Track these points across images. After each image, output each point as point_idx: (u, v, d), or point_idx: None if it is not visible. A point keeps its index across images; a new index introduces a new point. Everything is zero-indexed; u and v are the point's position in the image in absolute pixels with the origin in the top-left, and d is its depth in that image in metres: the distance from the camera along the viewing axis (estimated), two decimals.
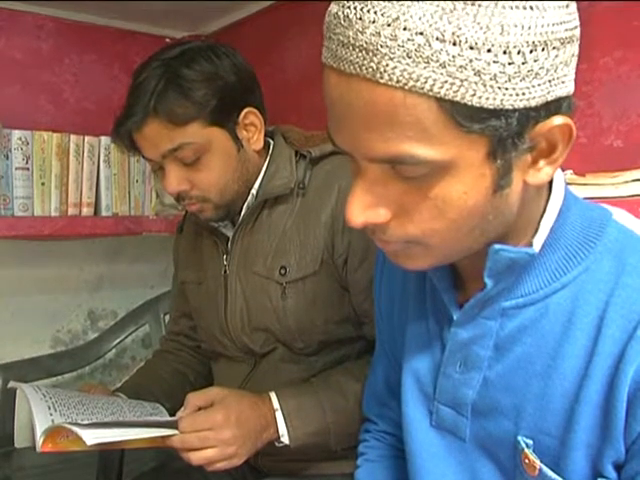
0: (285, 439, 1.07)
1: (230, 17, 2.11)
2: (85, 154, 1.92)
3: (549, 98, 0.55)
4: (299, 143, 1.21)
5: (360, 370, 1.12)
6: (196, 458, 0.99)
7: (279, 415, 1.07)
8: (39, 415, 1.00)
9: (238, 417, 1.01)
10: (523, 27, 0.51)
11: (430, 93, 0.52)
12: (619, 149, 1.20)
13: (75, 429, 0.92)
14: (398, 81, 0.52)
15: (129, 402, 1.15)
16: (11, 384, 1.14)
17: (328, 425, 1.10)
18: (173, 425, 0.99)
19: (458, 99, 0.52)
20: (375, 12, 0.52)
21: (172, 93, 1.07)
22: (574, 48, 0.57)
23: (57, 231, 1.83)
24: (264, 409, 1.07)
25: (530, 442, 0.66)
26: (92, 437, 0.91)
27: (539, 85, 0.54)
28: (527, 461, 0.66)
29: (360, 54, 0.53)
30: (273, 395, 1.09)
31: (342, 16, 0.54)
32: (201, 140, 1.09)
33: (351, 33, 0.53)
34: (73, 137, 1.89)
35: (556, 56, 0.54)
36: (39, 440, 0.97)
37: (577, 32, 0.57)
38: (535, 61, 0.53)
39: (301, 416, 1.08)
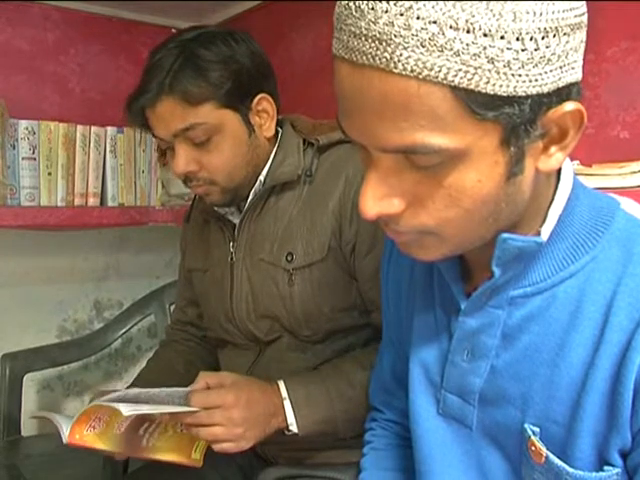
0: (294, 428, 1.07)
1: (237, 8, 2.11)
2: (91, 144, 1.92)
3: (560, 84, 0.56)
4: (307, 131, 1.21)
5: (367, 358, 1.12)
6: (203, 433, 1.00)
7: (287, 404, 1.07)
8: (63, 417, 1.03)
9: (248, 400, 1.02)
10: (535, 13, 0.52)
11: (444, 82, 0.52)
12: (626, 140, 1.20)
13: (111, 404, 0.94)
14: (412, 70, 0.52)
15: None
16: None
17: (336, 413, 1.10)
18: (183, 398, 1.01)
19: (472, 87, 0.52)
20: (387, 1, 0.52)
21: (188, 72, 1.07)
22: (583, 34, 0.58)
23: (63, 221, 1.84)
24: (273, 396, 1.07)
25: (537, 430, 0.67)
26: (127, 410, 0.93)
27: (551, 71, 0.54)
28: (533, 449, 0.67)
29: (373, 44, 0.53)
30: (281, 384, 1.09)
31: (354, 7, 0.54)
32: (213, 121, 1.09)
33: (363, 23, 0.53)
34: (79, 127, 1.90)
35: (567, 42, 0.55)
36: (66, 431, 0.99)
37: (585, 18, 0.58)
38: (547, 47, 0.53)
39: (309, 405, 1.08)
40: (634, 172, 1.00)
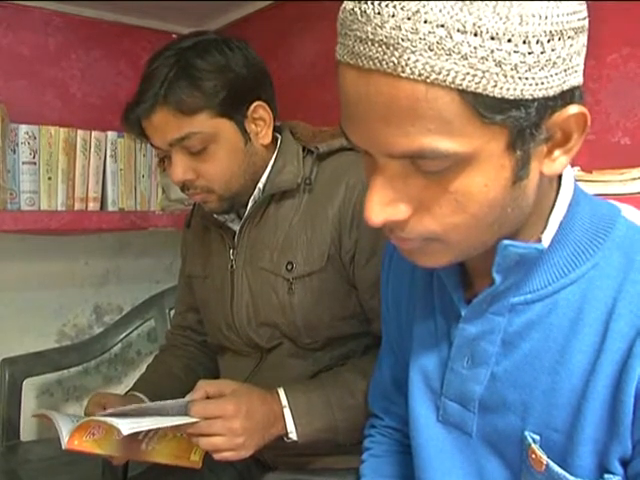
0: (293, 436, 1.07)
1: (237, 13, 2.12)
2: (92, 149, 1.92)
3: (565, 87, 0.56)
4: (307, 139, 1.21)
5: (368, 366, 1.11)
6: (204, 443, 0.99)
7: (287, 412, 1.07)
8: (64, 418, 1.02)
9: (248, 409, 1.02)
10: (541, 17, 0.52)
11: (452, 85, 0.52)
12: (626, 146, 1.20)
13: (112, 420, 0.93)
14: (420, 74, 0.52)
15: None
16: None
17: (336, 422, 1.10)
18: (183, 407, 1.00)
19: (480, 90, 0.53)
20: (394, 6, 0.52)
21: (182, 82, 1.07)
22: (584, 38, 0.58)
23: (63, 226, 1.83)
24: (273, 404, 1.07)
25: (537, 438, 0.66)
26: (127, 427, 0.92)
27: (556, 74, 0.54)
28: (534, 457, 0.67)
29: (380, 49, 0.53)
30: (281, 391, 1.09)
31: (359, 12, 0.54)
32: (209, 130, 1.10)
33: (369, 28, 0.53)
34: (80, 132, 1.90)
35: (571, 45, 0.55)
36: (65, 437, 0.98)
37: (586, 22, 0.58)
38: (553, 50, 0.53)
39: (309, 413, 1.08)
40: (635, 178, 1.00)
